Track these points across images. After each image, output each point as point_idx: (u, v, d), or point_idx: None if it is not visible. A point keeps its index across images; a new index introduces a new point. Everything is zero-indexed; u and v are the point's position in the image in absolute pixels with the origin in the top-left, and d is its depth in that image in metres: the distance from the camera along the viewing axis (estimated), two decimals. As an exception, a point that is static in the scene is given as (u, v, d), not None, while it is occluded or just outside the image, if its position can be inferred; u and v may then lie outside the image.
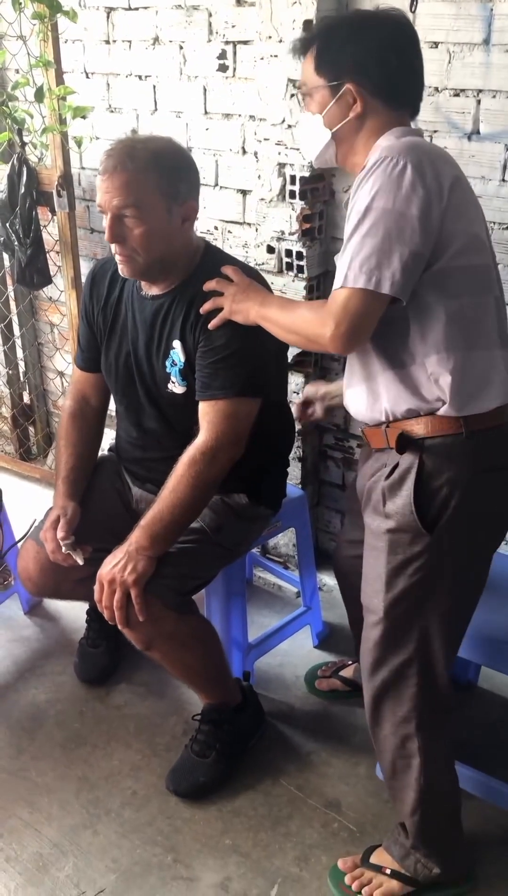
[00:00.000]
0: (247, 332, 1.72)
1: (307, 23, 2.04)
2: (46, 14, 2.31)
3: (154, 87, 2.56)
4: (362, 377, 1.57)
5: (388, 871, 1.73)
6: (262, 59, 2.17)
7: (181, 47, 2.44)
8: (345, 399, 1.67)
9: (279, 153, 2.22)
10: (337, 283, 1.41)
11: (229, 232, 2.54)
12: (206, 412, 1.78)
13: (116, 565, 1.74)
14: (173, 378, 1.85)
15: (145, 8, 2.46)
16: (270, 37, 2.12)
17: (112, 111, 2.70)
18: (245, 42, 2.30)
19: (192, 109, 2.49)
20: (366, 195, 1.39)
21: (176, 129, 2.52)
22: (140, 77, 2.58)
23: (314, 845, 1.85)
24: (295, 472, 2.56)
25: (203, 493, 1.79)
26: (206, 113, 2.46)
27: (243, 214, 2.50)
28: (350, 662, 2.29)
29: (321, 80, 1.51)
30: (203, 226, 2.57)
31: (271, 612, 2.56)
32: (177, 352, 1.82)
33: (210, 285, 1.73)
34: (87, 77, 2.70)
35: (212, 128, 2.47)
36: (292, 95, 2.14)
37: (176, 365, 1.83)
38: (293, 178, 2.22)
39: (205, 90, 2.44)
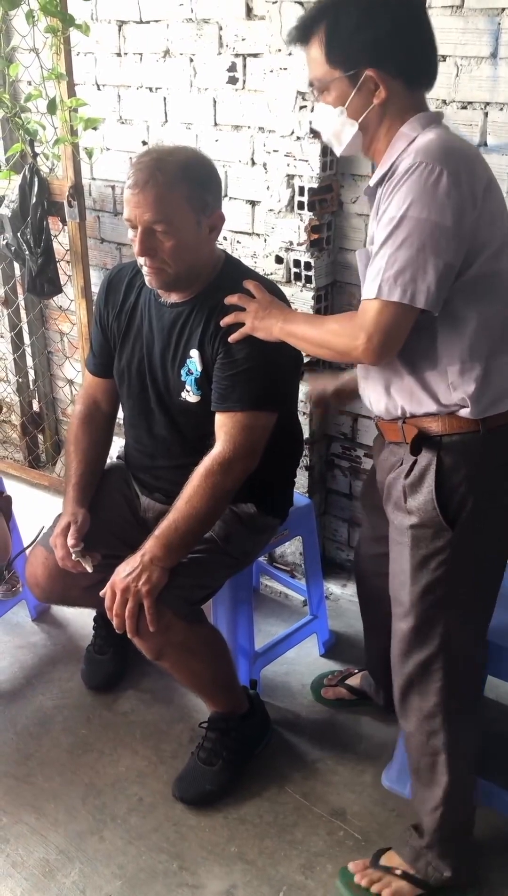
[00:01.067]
0: (267, 347, 1.74)
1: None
2: (59, 27, 2.34)
3: (164, 98, 2.59)
4: (379, 376, 1.56)
5: (399, 872, 1.74)
6: (272, 71, 2.19)
7: (191, 60, 2.47)
8: (360, 388, 1.67)
9: (288, 164, 2.24)
10: (369, 293, 1.39)
11: (238, 242, 2.56)
12: (223, 423, 1.80)
13: (130, 575, 1.75)
14: (188, 387, 1.86)
15: (156, 21, 2.49)
16: (279, 50, 2.15)
17: (123, 122, 2.73)
18: (254, 55, 2.32)
19: (202, 121, 2.52)
20: (400, 203, 1.36)
21: (186, 140, 2.54)
22: (151, 89, 2.61)
23: (319, 853, 1.86)
24: (301, 480, 2.57)
25: (218, 504, 1.80)
26: (216, 124, 2.49)
27: (252, 225, 2.52)
28: (356, 671, 2.29)
29: (336, 71, 1.44)
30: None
31: (278, 620, 2.56)
32: (195, 361, 1.83)
33: (231, 300, 1.75)
34: (99, 89, 2.73)
35: (221, 139, 2.49)
36: (301, 107, 2.16)
37: (192, 374, 1.85)
38: (302, 189, 2.24)
39: (214, 102, 2.47)
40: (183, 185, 1.70)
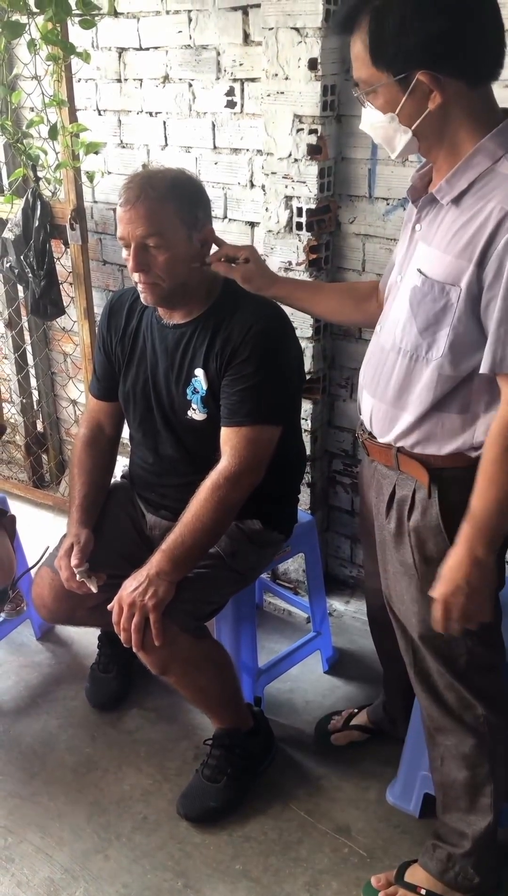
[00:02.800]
0: (275, 361, 1.79)
1: (312, 61, 2.10)
2: (61, 56, 2.39)
3: (164, 123, 2.63)
4: (398, 400, 1.49)
5: (423, 892, 1.74)
6: (269, 95, 2.23)
7: (190, 85, 2.51)
8: (364, 405, 1.61)
9: (286, 186, 2.28)
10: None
11: (238, 263, 2.59)
12: (230, 438, 1.82)
13: (137, 589, 1.76)
14: (194, 405, 1.89)
15: (156, 48, 2.54)
16: (276, 74, 2.19)
17: (123, 146, 2.77)
18: (252, 79, 2.36)
19: (201, 144, 2.56)
20: None
21: (185, 163, 2.58)
22: (150, 114, 2.65)
23: (324, 871, 1.86)
24: (304, 497, 2.58)
25: (225, 518, 1.82)
26: (215, 148, 2.53)
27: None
28: (356, 710, 2.23)
29: (382, 74, 1.31)
30: (212, 257, 2.62)
31: (281, 637, 2.57)
32: (200, 379, 1.86)
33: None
34: (100, 114, 2.78)
35: (220, 162, 2.53)
36: (298, 130, 2.20)
37: (197, 392, 1.87)
38: (300, 210, 2.28)
39: (213, 126, 2.51)
40: (173, 200, 1.75)
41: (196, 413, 1.89)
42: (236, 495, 1.80)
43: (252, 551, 1.98)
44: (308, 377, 2.37)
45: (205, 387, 1.86)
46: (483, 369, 1.35)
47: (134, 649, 1.79)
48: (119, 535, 2.07)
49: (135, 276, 1.80)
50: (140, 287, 1.82)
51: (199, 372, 1.86)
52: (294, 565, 2.68)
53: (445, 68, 1.28)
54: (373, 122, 1.40)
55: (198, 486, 1.81)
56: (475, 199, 1.33)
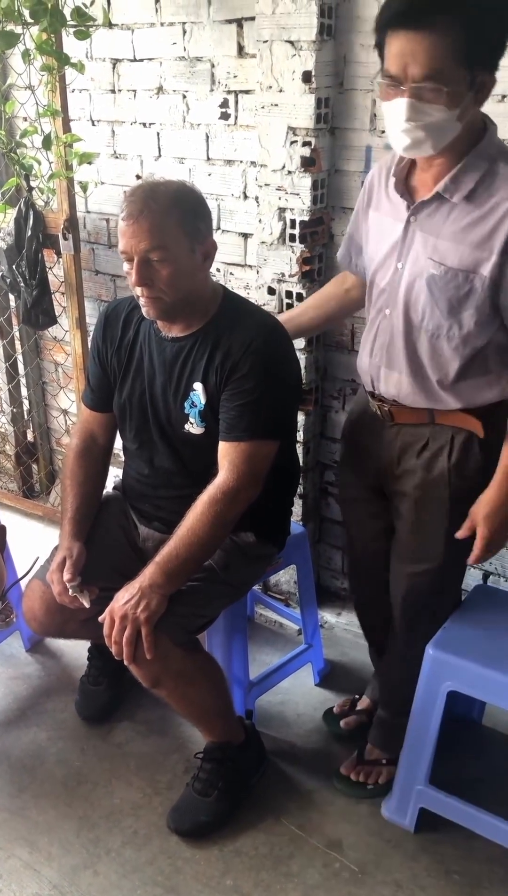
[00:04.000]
0: (275, 377, 1.79)
1: (306, 74, 2.11)
2: (55, 66, 2.39)
3: (158, 134, 2.63)
4: (423, 371, 1.69)
5: (384, 761, 2.07)
6: (263, 107, 2.24)
7: (184, 96, 2.52)
8: (385, 379, 1.76)
9: (279, 198, 2.28)
10: None
11: (231, 274, 2.59)
12: (228, 452, 1.81)
13: (129, 601, 1.75)
14: (192, 419, 1.88)
15: (150, 59, 2.55)
16: (271, 87, 2.19)
17: (117, 157, 2.77)
18: (246, 91, 2.37)
19: (195, 155, 2.56)
20: None
21: (179, 174, 2.59)
22: (144, 124, 2.66)
23: (315, 886, 1.84)
24: (296, 508, 2.58)
25: (220, 532, 1.81)
26: (209, 159, 2.53)
27: (244, 257, 2.55)
28: (357, 697, 2.29)
29: (465, 73, 1.40)
30: (205, 268, 2.62)
31: (272, 649, 2.56)
32: (198, 394, 1.85)
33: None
34: (93, 125, 2.78)
35: (214, 173, 2.53)
36: (292, 142, 2.21)
37: (195, 406, 1.86)
38: (293, 221, 2.28)
39: (207, 137, 2.51)
40: (176, 213, 1.73)
41: (193, 427, 1.88)
42: (233, 510, 1.79)
43: (245, 564, 1.98)
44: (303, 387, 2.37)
45: (203, 401, 1.85)
46: None
47: (125, 662, 1.77)
48: (111, 548, 2.05)
49: (138, 291, 1.79)
50: (142, 301, 1.81)
51: (198, 386, 1.85)
52: (285, 577, 2.67)
53: (495, 71, 1.44)
54: (436, 118, 1.45)
55: (193, 499, 1.80)
56: (485, 197, 1.51)
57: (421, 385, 1.71)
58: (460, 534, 1.73)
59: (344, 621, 2.65)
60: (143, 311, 1.83)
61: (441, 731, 1.87)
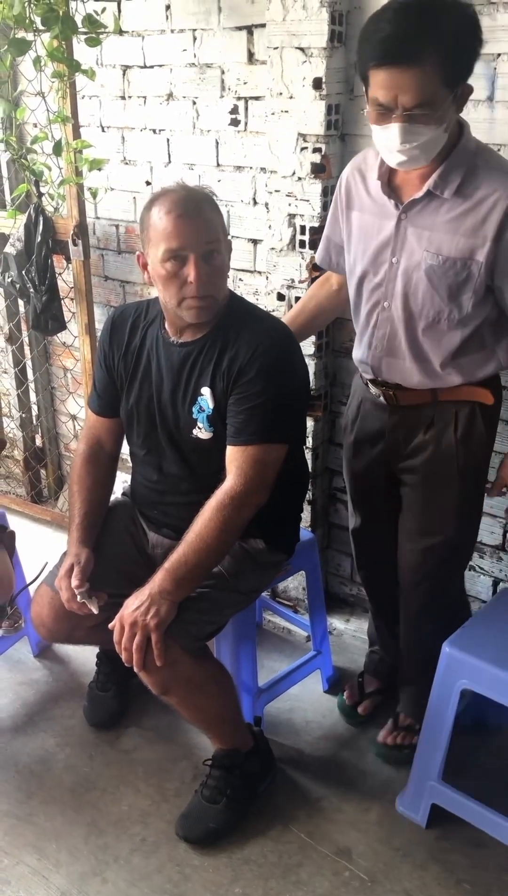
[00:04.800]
0: (282, 380, 1.79)
1: (317, 80, 2.11)
2: (66, 73, 2.40)
3: (168, 140, 2.64)
4: (423, 355, 1.80)
5: (418, 727, 2.09)
6: (273, 114, 2.24)
7: (194, 103, 2.53)
8: (388, 367, 1.86)
9: (289, 204, 2.28)
10: None
11: (240, 280, 2.59)
12: (236, 457, 1.81)
13: (139, 608, 1.74)
14: (200, 424, 1.87)
15: (160, 66, 2.56)
16: (281, 93, 2.20)
17: (126, 163, 2.78)
18: (256, 98, 2.38)
19: (205, 162, 2.57)
20: None
21: (189, 180, 2.58)
22: (154, 131, 2.67)
23: (325, 894, 1.83)
24: (304, 514, 2.57)
25: (229, 538, 1.80)
26: (219, 165, 2.54)
27: (254, 263, 2.55)
28: (360, 679, 2.35)
29: (449, 93, 1.55)
30: (214, 273, 2.62)
31: (281, 656, 2.55)
32: (206, 398, 1.85)
33: None
34: (103, 131, 2.79)
35: (224, 179, 2.54)
36: (302, 149, 2.21)
37: (203, 411, 1.86)
38: (303, 227, 2.28)
39: (217, 143, 2.52)
40: (216, 211, 1.79)
41: (201, 432, 1.88)
42: (241, 515, 1.79)
43: (255, 571, 1.97)
44: (311, 393, 2.37)
45: (211, 406, 1.85)
46: None
47: (135, 669, 1.77)
48: (120, 554, 2.05)
49: (196, 289, 1.75)
50: (197, 302, 1.77)
51: (206, 391, 1.85)
52: (294, 583, 2.66)
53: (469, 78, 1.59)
54: (429, 136, 1.58)
55: (201, 505, 1.80)
56: (471, 189, 1.65)
57: (423, 368, 1.82)
58: (493, 493, 1.96)
59: (352, 628, 2.65)
60: (195, 314, 1.80)
61: (462, 729, 1.89)
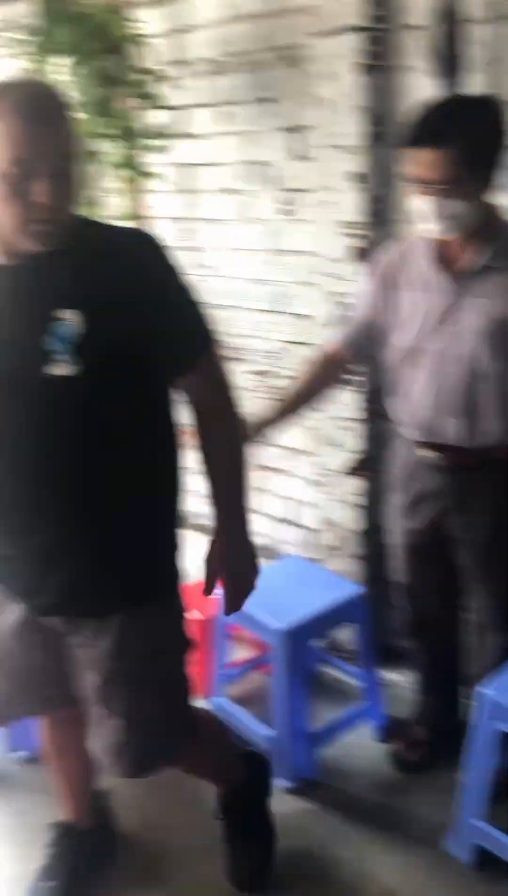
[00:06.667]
0: (178, 271, 1.56)
1: (357, 175, 2.35)
2: (135, 177, 2.69)
3: (224, 229, 2.89)
4: (480, 412, 1.94)
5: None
6: (320, 204, 2.47)
7: (249, 195, 2.78)
8: (450, 427, 1.98)
9: (334, 285, 2.49)
10: None
11: (288, 351, 2.80)
12: (204, 369, 1.59)
13: (235, 559, 1.67)
14: (58, 356, 1.41)
15: (219, 165, 2.84)
16: (326, 187, 2.43)
17: (186, 250, 3.03)
18: (304, 190, 2.62)
19: (259, 247, 2.81)
20: None
21: (246, 264, 2.83)
22: (211, 220, 2.92)
23: (370, 933, 1.90)
24: (358, 569, 2.70)
25: (242, 451, 1.68)
26: (272, 250, 2.77)
27: (305, 337, 2.76)
28: (410, 729, 2.45)
29: (473, 173, 1.78)
30: (270, 346, 2.85)
31: (334, 704, 2.62)
32: (70, 324, 1.40)
33: None
34: (166, 221, 3.06)
35: (278, 263, 2.77)
36: (346, 235, 2.43)
37: (64, 341, 1.41)
38: (348, 305, 2.48)
39: (270, 232, 2.76)
40: (71, 115, 1.41)
41: (60, 367, 1.39)
42: (240, 423, 1.69)
43: (169, 633, 1.68)
44: (361, 456, 2.54)
45: (80, 331, 1.40)
46: None
47: (134, 777, 1.72)
48: (14, 669, 1.70)
49: (42, 213, 1.36)
50: (45, 227, 1.37)
51: (68, 313, 1.40)
52: (347, 636, 2.77)
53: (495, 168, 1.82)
54: (456, 209, 1.81)
55: (111, 517, 1.52)
56: None
57: (478, 427, 1.96)
58: None
59: (405, 680, 2.73)
60: (37, 239, 1.39)
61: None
